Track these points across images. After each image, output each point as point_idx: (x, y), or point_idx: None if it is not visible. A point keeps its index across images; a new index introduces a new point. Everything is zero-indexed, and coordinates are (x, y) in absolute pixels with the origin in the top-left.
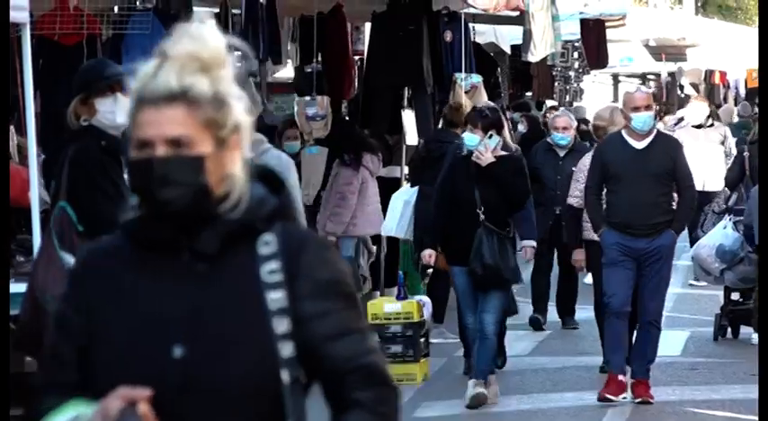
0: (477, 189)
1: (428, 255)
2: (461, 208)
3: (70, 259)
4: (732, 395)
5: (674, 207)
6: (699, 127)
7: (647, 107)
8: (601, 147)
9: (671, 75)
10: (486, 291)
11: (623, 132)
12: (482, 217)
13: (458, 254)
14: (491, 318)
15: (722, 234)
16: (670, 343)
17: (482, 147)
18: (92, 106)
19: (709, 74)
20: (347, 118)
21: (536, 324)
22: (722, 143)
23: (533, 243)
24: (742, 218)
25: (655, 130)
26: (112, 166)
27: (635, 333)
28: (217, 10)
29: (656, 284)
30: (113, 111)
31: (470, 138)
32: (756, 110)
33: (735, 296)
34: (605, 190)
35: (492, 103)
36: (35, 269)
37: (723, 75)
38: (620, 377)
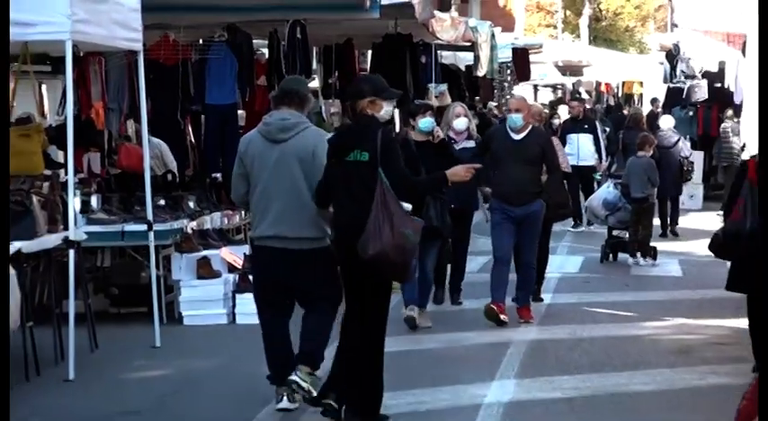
0: (424, 164)
1: None
2: None
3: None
4: (612, 299)
5: (542, 182)
6: (575, 119)
7: (518, 110)
8: (490, 133)
9: (573, 85)
10: (427, 242)
11: (506, 125)
12: None
13: None
14: (431, 265)
15: (607, 191)
16: (571, 263)
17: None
18: (378, 106)
19: (598, 84)
20: None
21: None
22: (592, 131)
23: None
24: (620, 180)
25: (530, 126)
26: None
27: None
28: (267, 42)
29: (530, 239)
30: (389, 111)
31: (428, 121)
32: (627, 110)
33: (615, 233)
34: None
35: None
36: (389, 214)
37: (608, 85)
38: (500, 304)
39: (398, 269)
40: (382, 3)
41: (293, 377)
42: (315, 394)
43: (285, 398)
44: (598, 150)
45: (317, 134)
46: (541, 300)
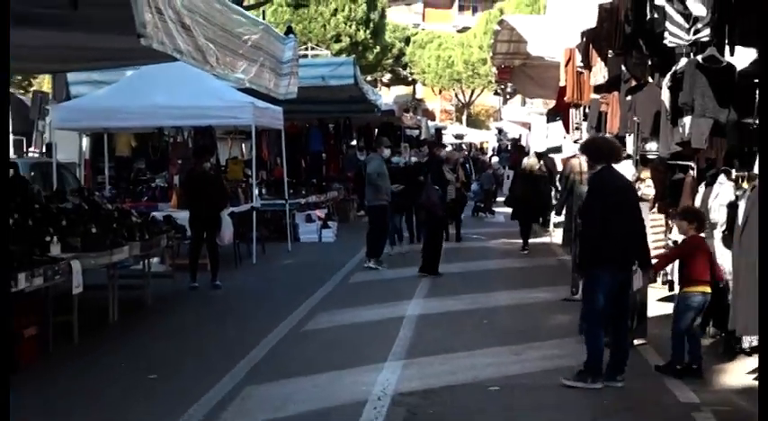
0: (395, 177)
1: None
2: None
3: (437, 189)
4: (476, 231)
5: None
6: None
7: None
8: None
9: (460, 143)
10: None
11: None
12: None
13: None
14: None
15: (475, 187)
16: (465, 215)
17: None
18: (440, 149)
19: (470, 143)
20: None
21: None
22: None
23: None
24: (479, 182)
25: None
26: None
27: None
28: (333, 125)
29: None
30: (444, 152)
31: (398, 158)
32: (480, 156)
33: (478, 204)
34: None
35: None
36: (429, 191)
37: (474, 144)
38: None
39: (433, 209)
40: (382, 110)
41: (367, 264)
42: (380, 269)
43: (371, 262)
44: (466, 174)
45: (372, 160)
46: (460, 239)
